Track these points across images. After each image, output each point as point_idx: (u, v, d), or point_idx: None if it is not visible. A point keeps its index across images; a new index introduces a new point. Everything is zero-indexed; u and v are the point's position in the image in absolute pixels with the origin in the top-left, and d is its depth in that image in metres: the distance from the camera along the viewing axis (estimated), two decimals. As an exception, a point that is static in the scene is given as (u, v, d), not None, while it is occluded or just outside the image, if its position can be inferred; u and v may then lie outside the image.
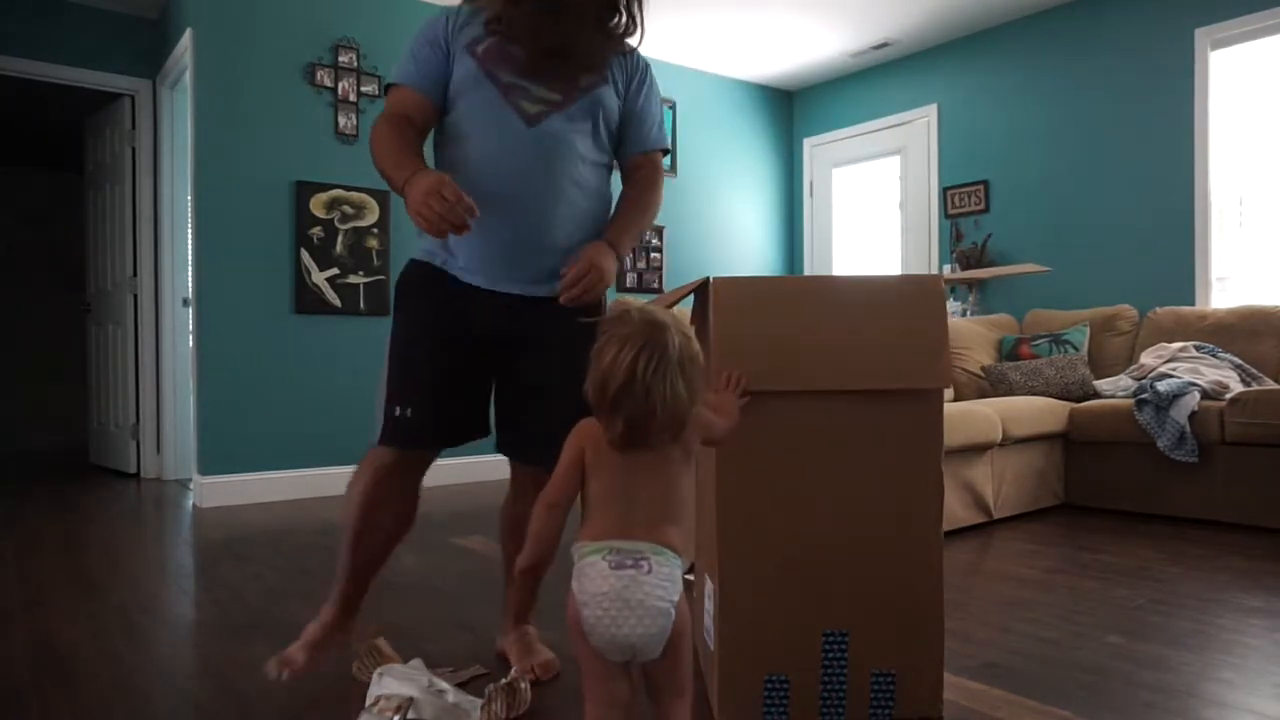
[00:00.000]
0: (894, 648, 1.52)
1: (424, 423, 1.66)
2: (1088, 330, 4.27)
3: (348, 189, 4.40)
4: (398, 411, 1.64)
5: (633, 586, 1.13)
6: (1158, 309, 4.23)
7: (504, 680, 1.57)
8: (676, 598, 1.16)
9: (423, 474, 1.75)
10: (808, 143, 6.35)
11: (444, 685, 1.55)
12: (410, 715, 1.48)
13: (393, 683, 1.52)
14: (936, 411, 1.54)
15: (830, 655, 1.51)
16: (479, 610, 2.27)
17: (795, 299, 1.52)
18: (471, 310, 1.69)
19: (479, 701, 1.52)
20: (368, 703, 1.50)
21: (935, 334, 1.53)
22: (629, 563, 1.14)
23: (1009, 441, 3.45)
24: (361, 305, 4.44)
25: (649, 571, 1.14)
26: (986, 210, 5.24)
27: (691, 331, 1.25)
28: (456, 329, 1.68)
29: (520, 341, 1.72)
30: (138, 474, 5.02)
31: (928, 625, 1.53)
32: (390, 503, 1.71)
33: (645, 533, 1.17)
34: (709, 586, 1.60)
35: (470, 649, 1.98)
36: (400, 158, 1.57)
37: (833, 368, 1.51)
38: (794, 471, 1.51)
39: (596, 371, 1.19)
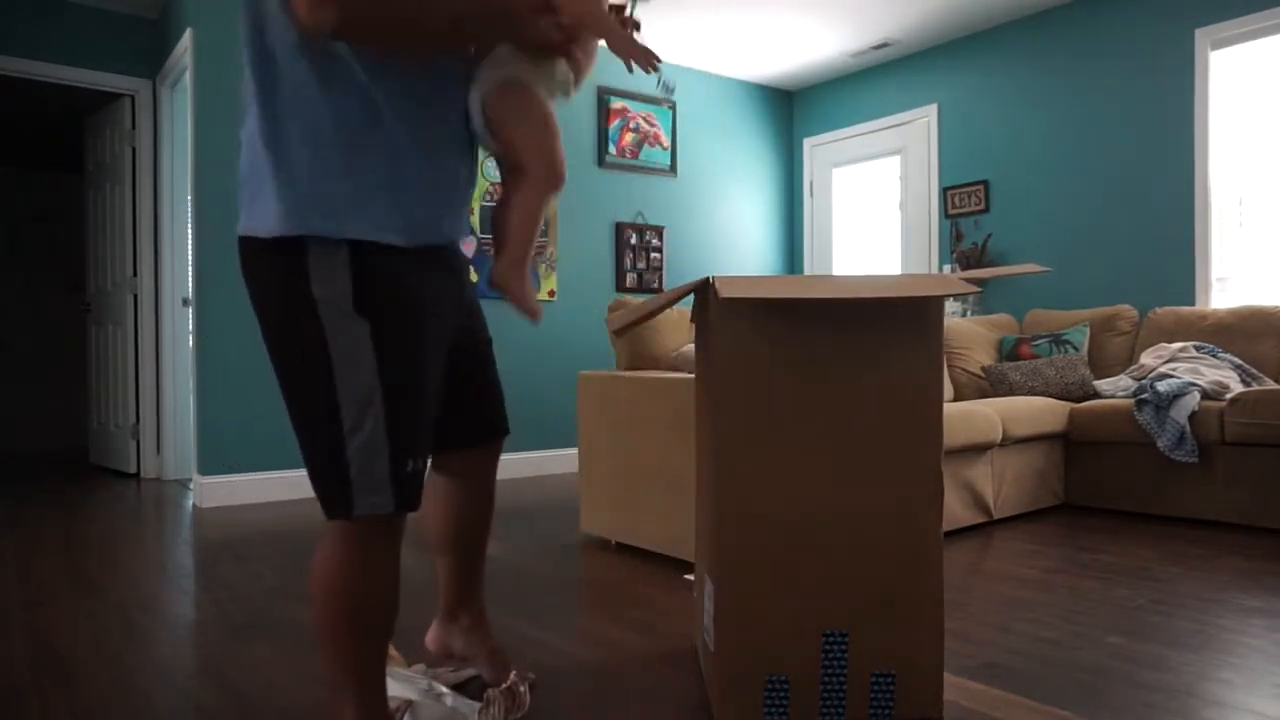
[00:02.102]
0: (894, 648, 1.52)
1: (426, 468, 1.31)
2: (1088, 330, 4.27)
3: (348, 189, 4.40)
4: (410, 466, 1.24)
5: None
6: (1158, 309, 4.23)
7: (504, 685, 1.57)
8: None
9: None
10: (808, 143, 6.35)
11: (443, 689, 1.56)
12: (408, 719, 1.48)
13: (393, 684, 1.53)
14: (936, 410, 1.54)
15: (830, 655, 1.51)
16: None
17: (799, 297, 1.52)
18: (449, 293, 1.37)
19: (477, 705, 1.52)
20: (368, 703, 1.50)
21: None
22: None
23: (1009, 441, 3.45)
24: (361, 305, 4.43)
25: None
26: (986, 210, 5.24)
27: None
28: (447, 331, 1.37)
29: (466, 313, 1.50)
30: (138, 474, 5.02)
31: (928, 625, 1.53)
32: (392, 577, 1.31)
33: None
34: (709, 586, 1.60)
35: (470, 649, 1.98)
36: None
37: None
38: (793, 472, 1.51)
39: None
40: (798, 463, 1.51)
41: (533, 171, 1.32)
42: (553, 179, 1.32)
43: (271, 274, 1.21)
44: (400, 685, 1.53)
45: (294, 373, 1.22)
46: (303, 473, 4.25)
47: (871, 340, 1.52)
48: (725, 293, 1.40)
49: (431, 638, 1.77)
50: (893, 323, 1.52)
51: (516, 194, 1.34)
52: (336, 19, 1.10)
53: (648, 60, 1.27)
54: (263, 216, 1.19)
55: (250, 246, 1.22)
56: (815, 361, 1.51)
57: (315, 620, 1.28)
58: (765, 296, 1.44)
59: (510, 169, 1.37)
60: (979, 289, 1.40)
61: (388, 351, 1.21)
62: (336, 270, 1.19)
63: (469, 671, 1.80)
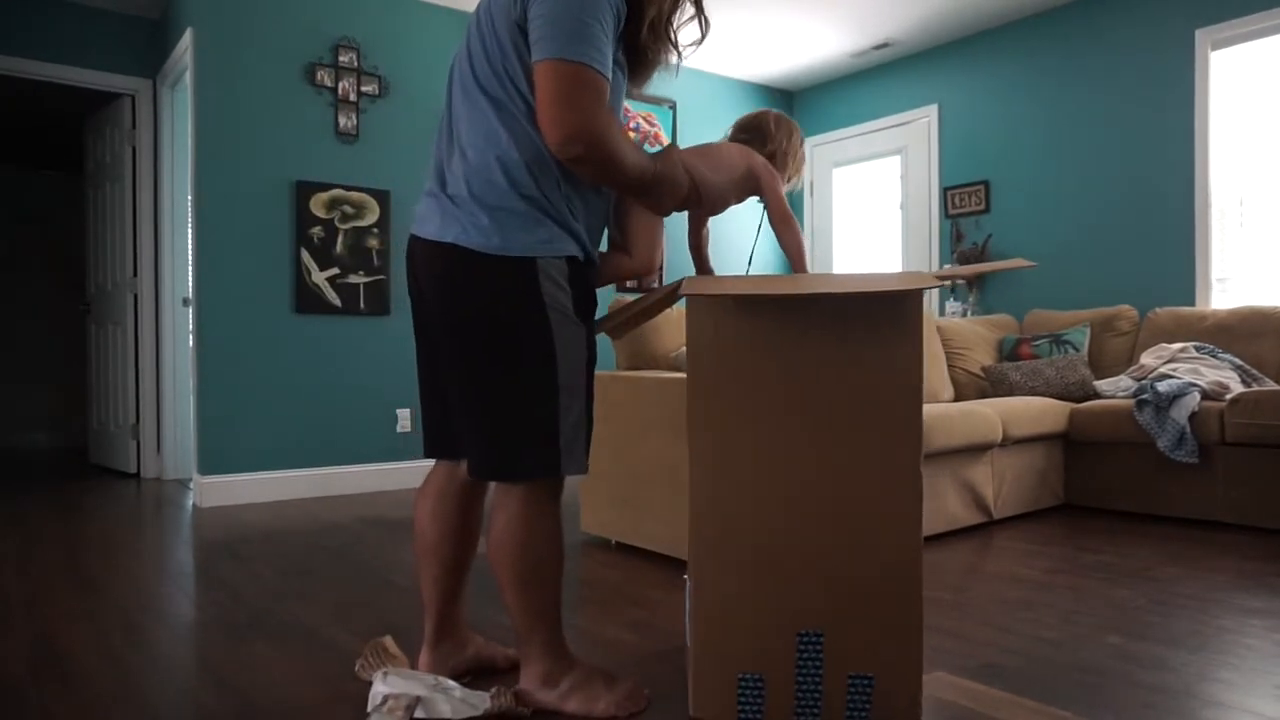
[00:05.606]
0: (871, 649, 1.49)
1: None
2: (1088, 330, 4.27)
3: (348, 189, 4.40)
4: (590, 440, 1.57)
5: None
6: (1158, 309, 4.23)
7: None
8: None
9: None
10: (808, 142, 6.35)
11: (450, 683, 1.56)
12: (419, 714, 1.48)
13: (399, 681, 1.53)
14: (915, 409, 1.51)
15: (805, 655, 1.49)
16: (482, 609, 2.27)
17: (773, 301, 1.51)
18: None
19: (487, 694, 1.53)
20: (374, 703, 1.50)
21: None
22: None
23: (1009, 442, 3.45)
24: (362, 305, 4.44)
25: None
26: (987, 210, 5.24)
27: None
28: None
29: None
30: (138, 474, 5.02)
31: (906, 627, 1.50)
32: (561, 531, 1.63)
33: None
34: (688, 583, 1.59)
35: (470, 649, 1.98)
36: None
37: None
38: (770, 469, 1.50)
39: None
40: (774, 460, 1.50)
41: (634, 256, 1.67)
42: (643, 267, 1.67)
43: (504, 281, 1.45)
44: (407, 682, 1.53)
45: (519, 361, 1.47)
46: (303, 473, 4.26)
47: (849, 338, 1.50)
48: (687, 290, 1.40)
49: (425, 666, 1.75)
50: (870, 320, 1.50)
51: (615, 262, 1.68)
52: (578, 156, 1.39)
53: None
54: (505, 235, 1.45)
55: (473, 257, 1.45)
56: (792, 359, 1.50)
57: (505, 576, 1.52)
58: (726, 293, 1.43)
59: (613, 246, 1.72)
60: (945, 283, 1.41)
61: (590, 350, 1.55)
62: (559, 281, 1.49)
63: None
